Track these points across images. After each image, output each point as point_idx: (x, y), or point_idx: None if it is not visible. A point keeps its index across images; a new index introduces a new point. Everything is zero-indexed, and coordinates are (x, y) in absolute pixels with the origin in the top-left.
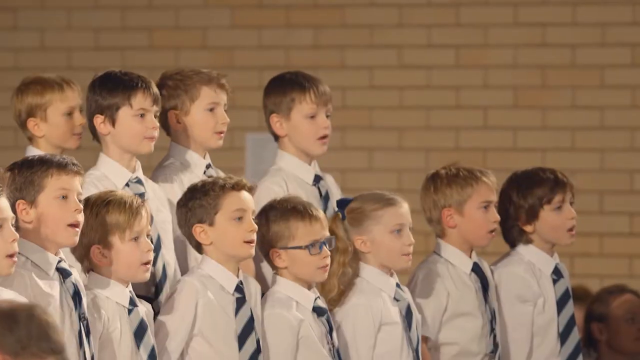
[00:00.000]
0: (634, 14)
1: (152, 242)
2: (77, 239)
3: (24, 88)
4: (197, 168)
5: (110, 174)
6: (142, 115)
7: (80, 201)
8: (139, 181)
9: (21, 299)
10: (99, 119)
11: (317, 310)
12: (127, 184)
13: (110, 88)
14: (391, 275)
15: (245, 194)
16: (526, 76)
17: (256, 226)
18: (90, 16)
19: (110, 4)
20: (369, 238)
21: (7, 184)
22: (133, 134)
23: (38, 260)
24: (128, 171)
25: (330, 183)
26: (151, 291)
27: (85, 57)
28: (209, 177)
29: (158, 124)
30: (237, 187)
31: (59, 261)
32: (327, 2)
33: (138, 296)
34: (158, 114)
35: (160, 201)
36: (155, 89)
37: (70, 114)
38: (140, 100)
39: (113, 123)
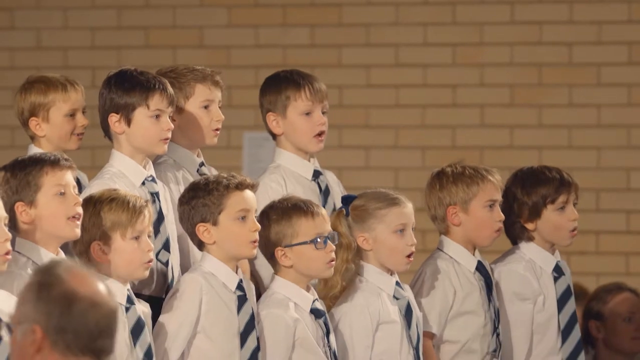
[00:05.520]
0: (629, 12)
1: (167, 241)
2: (78, 231)
3: (28, 86)
4: (190, 166)
5: (126, 172)
6: (157, 117)
7: (77, 194)
8: (153, 180)
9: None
10: (113, 118)
11: (315, 312)
12: (143, 183)
13: (127, 87)
14: (391, 273)
15: (248, 192)
16: (522, 74)
17: (259, 225)
18: (86, 16)
19: (107, 3)
20: (372, 236)
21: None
22: (148, 135)
23: (39, 260)
24: (143, 169)
25: (331, 180)
26: (163, 292)
27: (82, 56)
28: (201, 174)
29: (172, 126)
30: (241, 186)
31: None
32: (323, 0)
33: (151, 298)
34: (172, 114)
35: (168, 202)
36: (170, 90)
37: (72, 115)
38: (157, 102)
39: (128, 123)
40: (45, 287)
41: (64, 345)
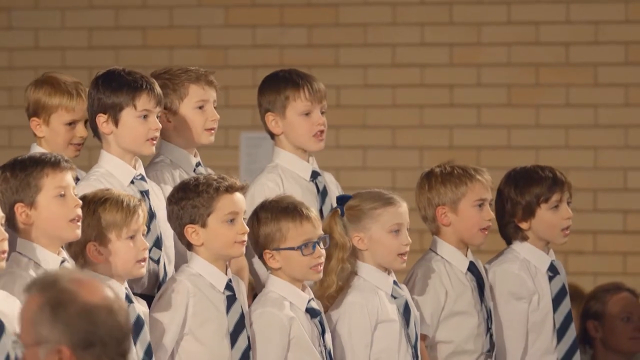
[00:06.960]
0: (627, 12)
1: (158, 239)
2: (79, 232)
3: (39, 83)
4: (187, 166)
5: (114, 172)
6: (145, 117)
7: (76, 195)
8: (142, 178)
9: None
10: (101, 118)
11: (311, 312)
12: (132, 182)
13: (115, 87)
14: (388, 273)
15: (238, 195)
16: (520, 74)
17: (247, 228)
18: (84, 16)
19: (104, 3)
20: (367, 236)
21: None
22: (136, 135)
23: (40, 261)
24: (132, 168)
25: (330, 181)
26: (155, 291)
27: (80, 56)
28: (198, 174)
29: (160, 125)
30: (231, 189)
31: (62, 261)
32: (320, 0)
33: (143, 296)
34: (160, 114)
35: (160, 200)
36: (158, 90)
37: (73, 124)
38: (144, 102)
39: (116, 123)
40: (60, 305)
41: (93, 357)
